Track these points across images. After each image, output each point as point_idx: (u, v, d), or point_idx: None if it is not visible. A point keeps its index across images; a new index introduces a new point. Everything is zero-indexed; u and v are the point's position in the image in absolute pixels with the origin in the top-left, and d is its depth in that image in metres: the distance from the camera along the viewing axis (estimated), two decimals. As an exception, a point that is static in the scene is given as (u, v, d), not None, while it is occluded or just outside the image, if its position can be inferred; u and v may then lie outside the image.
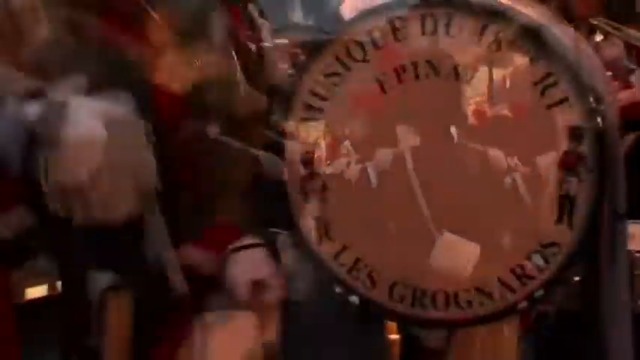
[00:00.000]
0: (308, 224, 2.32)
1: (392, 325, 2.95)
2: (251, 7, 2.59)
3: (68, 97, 1.23)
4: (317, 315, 2.79)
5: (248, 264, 2.23)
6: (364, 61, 2.25)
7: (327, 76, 2.27)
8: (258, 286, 2.26)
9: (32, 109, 1.22)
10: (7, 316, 1.46)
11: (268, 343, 2.49)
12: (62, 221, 1.34)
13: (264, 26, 2.65)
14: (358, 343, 2.93)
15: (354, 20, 2.28)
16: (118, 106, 1.27)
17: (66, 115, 1.21)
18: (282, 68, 2.57)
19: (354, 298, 2.36)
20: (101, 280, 2.65)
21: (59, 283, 3.09)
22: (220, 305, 2.45)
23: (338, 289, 2.37)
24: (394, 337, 2.99)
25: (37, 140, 1.20)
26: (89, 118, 1.22)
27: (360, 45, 2.25)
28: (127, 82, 1.29)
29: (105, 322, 2.62)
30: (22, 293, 3.66)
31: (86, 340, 2.71)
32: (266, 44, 2.57)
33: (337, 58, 2.26)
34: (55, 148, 1.20)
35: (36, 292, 3.84)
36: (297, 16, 3.62)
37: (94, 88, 1.27)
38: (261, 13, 2.69)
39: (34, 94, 1.25)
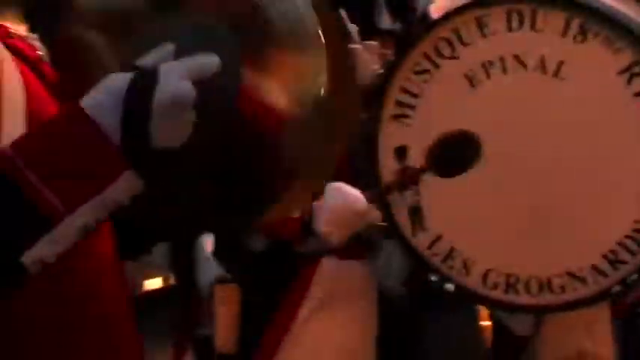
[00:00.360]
0: (402, 216, 2.27)
1: (484, 311, 2.89)
2: (341, 12, 2.56)
3: (158, 63, 1.21)
4: (410, 302, 2.73)
5: None
6: (452, 57, 2.19)
7: (417, 73, 2.21)
8: None
9: (124, 79, 1.19)
10: (127, 308, 1.44)
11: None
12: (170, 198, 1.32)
13: (354, 30, 2.62)
14: (452, 331, 2.87)
15: (442, 18, 2.21)
16: (206, 63, 1.22)
17: (157, 80, 1.18)
18: (374, 68, 2.52)
19: (449, 286, 2.29)
20: (210, 272, 2.66)
21: (172, 276, 3.11)
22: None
23: (432, 277, 2.30)
24: (486, 324, 2.93)
25: (133, 108, 1.18)
26: (179, 79, 1.19)
27: (448, 42, 2.19)
28: (215, 49, 1.25)
29: (215, 312, 2.62)
30: (140, 285, 3.70)
31: (198, 329, 2.72)
32: (356, 46, 2.53)
33: (426, 56, 2.20)
34: (150, 112, 1.18)
35: (152, 284, 3.88)
36: (386, 20, 3.55)
37: (182, 54, 1.25)
38: (351, 18, 2.67)
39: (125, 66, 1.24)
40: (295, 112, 1.33)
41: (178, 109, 1.18)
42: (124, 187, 1.18)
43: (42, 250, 1.14)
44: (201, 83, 1.20)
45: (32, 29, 1.51)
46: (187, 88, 1.18)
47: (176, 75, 1.18)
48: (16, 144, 1.18)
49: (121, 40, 1.34)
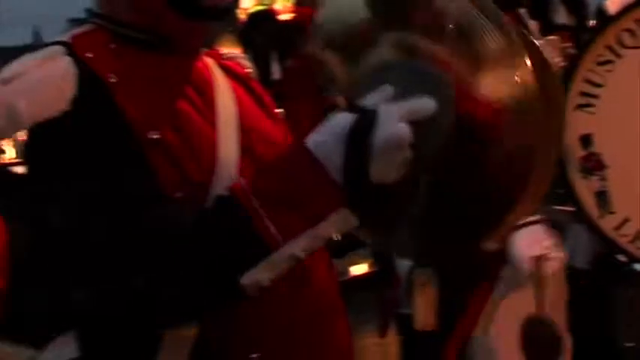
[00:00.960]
0: (588, 200, 2.13)
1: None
2: (521, 10, 2.45)
3: (378, 104, 1.18)
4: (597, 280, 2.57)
5: (530, 240, 2.09)
6: (635, 47, 2.03)
7: (600, 64, 2.06)
8: (539, 260, 2.12)
9: (347, 120, 1.17)
10: (334, 291, 1.42)
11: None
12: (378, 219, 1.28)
13: (534, 26, 2.49)
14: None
15: (623, 11, 2.05)
16: (422, 106, 1.19)
17: (376, 122, 1.16)
18: (555, 62, 2.38)
19: (638, 266, 2.13)
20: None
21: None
22: (507, 279, 2.32)
23: (621, 258, 2.15)
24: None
25: (354, 149, 1.16)
26: (396, 122, 1.16)
27: (631, 32, 2.02)
28: (428, 92, 1.21)
29: (414, 293, 2.57)
30: (347, 271, 3.71)
31: (400, 308, 2.67)
32: (538, 42, 2.40)
33: (608, 47, 2.05)
34: (370, 152, 1.15)
35: (358, 269, 3.89)
36: (561, 16, 3.37)
37: (399, 96, 1.21)
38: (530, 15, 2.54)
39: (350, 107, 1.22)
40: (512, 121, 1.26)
41: (396, 149, 1.15)
42: (338, 221, 1.16)
43: (259, 274, 1.15)
44: (418, 123, 1.17)
45: (245, 50, 1.52)
46: (404, 131, 1.15)
47: (394, 118, 1.16)
48: (249, 178, 1.19)
49: (349, 61, 1.31)
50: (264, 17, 4.90)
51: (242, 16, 4.89)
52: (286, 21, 4.83)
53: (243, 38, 4.40)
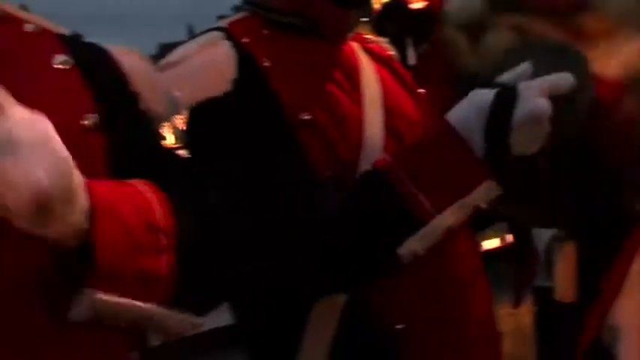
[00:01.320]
0: None
1: None
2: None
3: (517, 81, 1.18)
4: None
5: None
6: None
7: None
8: None
9: (487, 96, 1.17)
10: (476, 262, 1.40)
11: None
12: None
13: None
14: None
15: None
16: (561, 81, 1.17)
17: (516, 97, 1.15)
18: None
19: None
20: (545, 233, 2.50)
21: (509, 236, 2.99)
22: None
23: None
24: None
25: (496, 124, 1.15)
26: (536, 97, 1.14)
27: None
28: (567, 68, 1.19)
29: (554, 266, 2.47)
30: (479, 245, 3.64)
31: (536, 281, 2.58)
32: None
33: None
34: (511, 127, 1.14)
35: (490, 243, 3.81)
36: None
37: (537, 73, 1.19)
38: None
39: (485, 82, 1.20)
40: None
41: (536, 123, 1.14)
42: (483, 193, 1.16)
43: (414, 245, 1.16)
44: (557, 98, 1.15)
45: (380, 35, 1.52)
46: (544, 105, 1.14)
47: (534, 93, 1.15)
48: (396, 155, 1.19)
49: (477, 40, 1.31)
50: (397, 6, 4.87)
51: (376, 5, 4.87)
52: (418, 9, 4.77)
53: (377, 27, 4.37)
